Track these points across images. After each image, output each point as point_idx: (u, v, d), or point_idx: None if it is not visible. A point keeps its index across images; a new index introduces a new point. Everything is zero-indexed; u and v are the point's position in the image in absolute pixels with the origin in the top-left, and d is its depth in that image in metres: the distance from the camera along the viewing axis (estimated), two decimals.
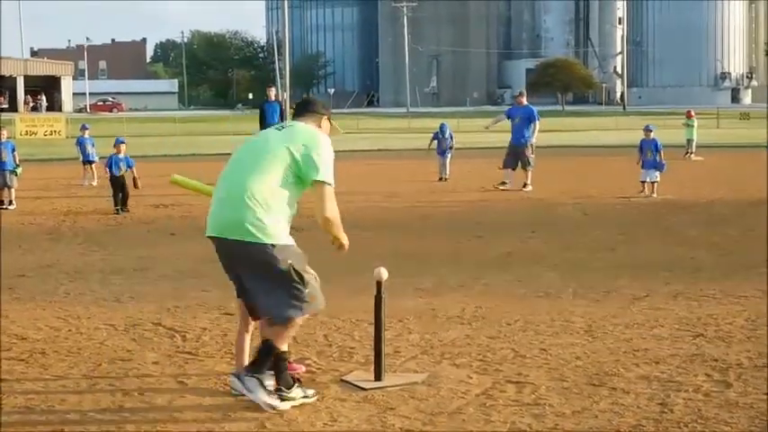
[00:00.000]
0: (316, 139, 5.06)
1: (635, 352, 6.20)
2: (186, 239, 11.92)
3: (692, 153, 26.43)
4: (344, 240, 5.17)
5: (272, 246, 4.92)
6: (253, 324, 5.58)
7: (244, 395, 5.12)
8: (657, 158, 16.25)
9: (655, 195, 15.91)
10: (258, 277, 5.01)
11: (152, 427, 4.91)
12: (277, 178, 4.94)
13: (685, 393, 5.31)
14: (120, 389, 5.56)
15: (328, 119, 5.36)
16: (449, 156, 20.20)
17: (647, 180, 16.17)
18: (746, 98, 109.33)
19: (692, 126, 27.04)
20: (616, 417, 4.94)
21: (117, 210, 14.83)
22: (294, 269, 4.97)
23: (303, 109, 5.35)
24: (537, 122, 17.79)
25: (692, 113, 27.70)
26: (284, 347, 5.15)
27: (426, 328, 6.89)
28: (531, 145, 17.74)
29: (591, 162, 24.61)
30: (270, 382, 5.11)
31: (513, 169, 17.64)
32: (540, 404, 5.17)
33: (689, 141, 26.92)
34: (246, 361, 5.50)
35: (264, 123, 21.08)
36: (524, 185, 17.31)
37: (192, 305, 7.84)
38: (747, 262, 9.72)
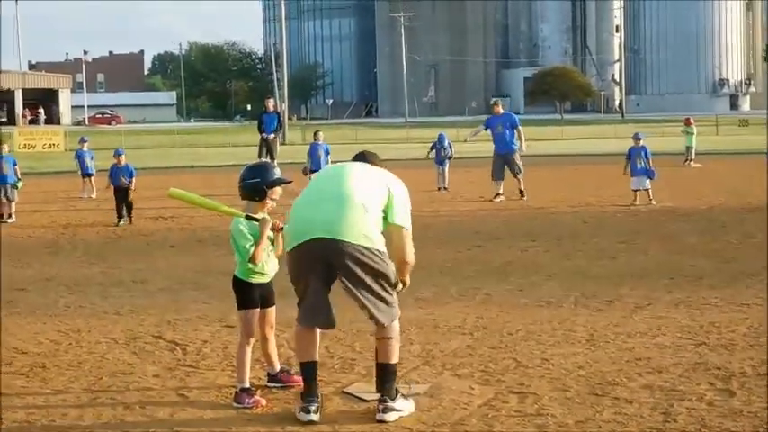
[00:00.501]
0: (402, 187, 5.39)
1: (637, 361, 6.18)
2: (186, 252, 11.90)
3: (691, 160, 26.44)
4: (408, 282, 5.45)
5: (381, 252, 5.18)
6: (254, 338, 5.56)
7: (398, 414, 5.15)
8: (647, 166, 16.20)
9: (654, 203, 15.89)
10: (365, 278, 5.15)
11: None
12: (380, 204, 5.23)
13: (688, 402, 5.29)
14: (122, 402, 5.54)
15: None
16: (447, 165, 20.24)
17: (639, 188, 16.13)
18: (745, 105, 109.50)
19: (692, 133, 27.05)
20: (619, 427, 4.92)
21: (119, 221, 14.81)
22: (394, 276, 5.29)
23: (372, 157, 5.65)
24: (520, 128, 17.59)
25: (691, 121, 27.69)
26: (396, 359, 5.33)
27: (428, 339, 6.87)
28: (520, 152, 17.53)
29: (590, 170, 24.61)
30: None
31: (503, 179, 17.44)
32: (542, 414, 5.14)
33: (688, 149, 26.93)
34: (248, 375, 5.48)
35: (261, 133, 21.18)
36: (521, 194, 17.19)
37: (192, 318, 7.82)
38: (748, 269, 9.70)
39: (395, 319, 5.27)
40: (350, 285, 5.13)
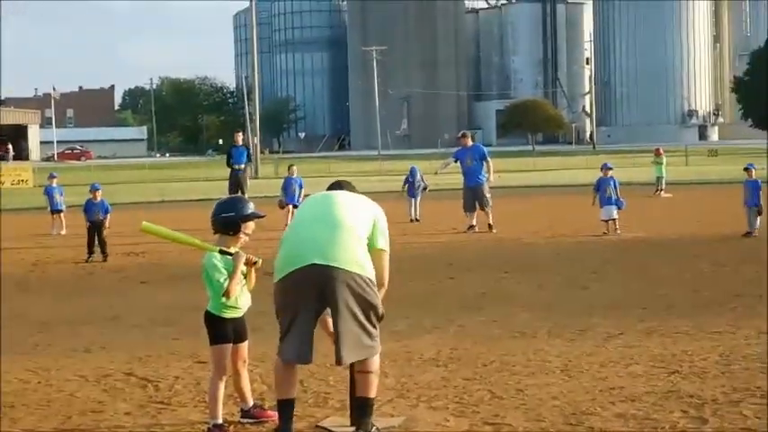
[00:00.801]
0: (382, 212, 5.49)
1: (611, 390, 6.19)
2: (157, 287, 11.81)
3: (661, 190, 26.69)
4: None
5: (371, 281, 5.20)
6: (227, 374, 5.51)
7: None
8: (616, 196, 16.34)
9: (619, 231, 15.99)
10: (355, 310, 5.12)
11: None
12: (367, 230, 5.30)
13: (662, 431, 5.30)
14: None
15: None
16: (419, 197, 20.70)
17: (609, 218, 16.24)
18: (714, 135, 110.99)
19: (661, 164, 27.33)
20: None
21: (89, 257, 14.67)
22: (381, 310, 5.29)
23: (348, 187, 5.72)
24: (489, 161, 17.59)
25: (661, 151, 27.99)
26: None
27: (402, 371, 6.84)
28: (488, 184, 17.54)
29: (562, 201, 24.75)
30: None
31: (474, 210, 17.47)
32: None
33: (658, 179, 27.20)
34: (221, 410, 5.42)
35: (231, 162, 21.09)
36: (490, 227, 17.12)
37: (163, 354, 7.75)
38: (719, 298, 9.77)
39: (377, 353, 5.24)
40: (338, 317, 5.07)
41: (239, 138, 21.67)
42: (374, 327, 5.18)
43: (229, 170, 21.20)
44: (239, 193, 19.60)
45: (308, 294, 5.08)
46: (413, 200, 20.50)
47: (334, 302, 5.07)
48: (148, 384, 6.75)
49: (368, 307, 5.12)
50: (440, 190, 25.44)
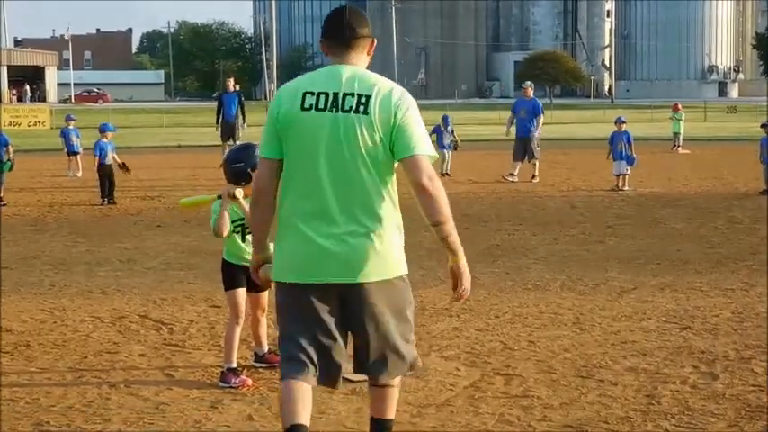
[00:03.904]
0: (406, 99, 3.74)
1: (623, 344, 6.21)
2: (173, 232, 11.87)
3: (679, 146, 26.50)
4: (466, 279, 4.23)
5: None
6: (243, 318, 5.55)
7: None
8: (628, 152, 16.23)
9: (626, 188, 15.92)
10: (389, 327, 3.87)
11: (138, 419, 4.88)
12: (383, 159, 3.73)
13: (672, 385, 5.32)
14: (107, 381, 5.53)
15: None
16: (451, 150, 19.19)
17: (619, 173, 16.18)
18: (733, 92, 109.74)
19: (680, 119, 27.09)
20: (604, 408, 4.95)
21: (103, 200, 14.74)
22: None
23: (351, 31, 3.74)
24: (541, 116, 18.15)
25: (679, 107, 27.73)
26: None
27: (414, 321, 6.86)
28: (536, 138, 18.03)
29: (579, 155, 24.61)
30: None
31: (522, 161, 17.94)
32: (528, 396, 5.16)
33: (676, 135, 26.99)
34: (236, 355, 5.47)
35: (222, 115, 20.54)
36: (533, 177, 17.60)
37: (178, 297, 7.81)
38: (734, 255, 9.75)
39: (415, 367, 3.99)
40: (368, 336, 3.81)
41: (231, 84, 20.90)
42: (410, 332, 3.95)
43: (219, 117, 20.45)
44: (231, 141, 19.33)
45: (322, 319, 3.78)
46: (444, 151, 18.77)
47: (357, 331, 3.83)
48: (163, 327, 6.82)
49: (402, 311, 3.86)
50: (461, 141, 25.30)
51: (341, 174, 3.65)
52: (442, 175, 18.77)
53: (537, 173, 17.79)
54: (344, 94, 3.66)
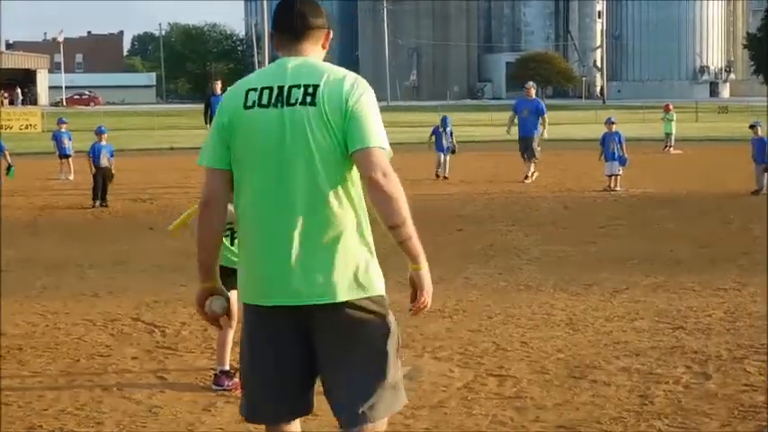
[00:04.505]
0: (358, 83, 3.26)
1: (615, 344, 6.21)
2: (165, 234, 11.81)
3: (670, 147, 26.55)
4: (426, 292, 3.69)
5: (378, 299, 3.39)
6: (236, 321, 5.53)
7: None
8: (620, 152, 16.29)
9: (619, 189, 15.95)
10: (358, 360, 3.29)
11: (131, 422, 4.87)
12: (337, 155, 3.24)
13: (665, 385, 5.33)
14: (99, 385, 5.52)
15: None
16: (448, 154, 18.75)
17: (612, 173, 16.23)
18: (724, 92, 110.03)
19: (671, 120, 27.15)
20: (597, 409, 4.95)
21: (95, 203, 14.70)
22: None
23: (302, 21, 3.33)
24: (545, 116, 18.27)
25: (671, 107, 27.79)
26: None
27: (408, 322, 6.85)
28: (538, 138, 18.14)
29: (571, 156, 24.65)
30: None
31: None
32: (521, 397, 5.17)
33: (668, 135, 27.04)
34: (228, 357, 5.46)
35: (209, 117, 20.43)
36: (525, 177, 17.69)
37: (171, 300, 7.79)
38: (726, 254, 9.77)
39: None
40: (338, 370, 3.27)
41: (218, 86, 20.76)
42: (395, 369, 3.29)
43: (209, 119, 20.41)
44: None
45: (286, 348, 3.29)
46: (441, 154, 18.53)
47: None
48: (155, 330, 6.80)
49: (381, 346, 3.26)
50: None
51: (291, 178, 3.15)
52: (438, 177, 18.65)
53: (531, 174, 17.78)
54: (290, 87, 3.20)
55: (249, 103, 3.23)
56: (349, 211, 3.21)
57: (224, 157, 3.27)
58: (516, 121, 18.55)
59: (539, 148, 18.11)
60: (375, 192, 3.13)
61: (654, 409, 4.93)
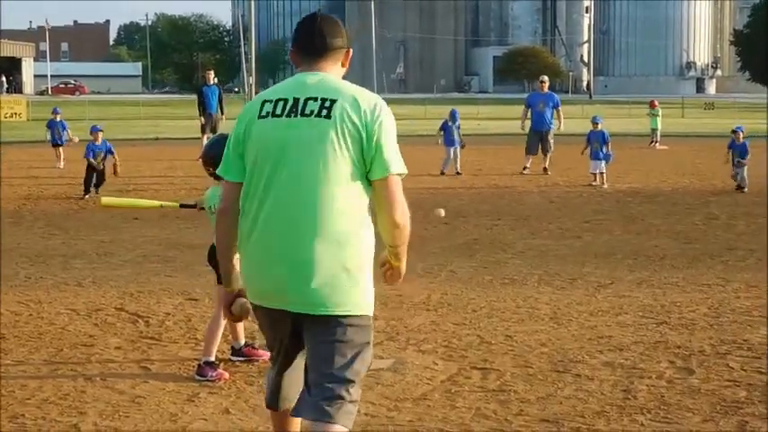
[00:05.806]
0: (381, 108, 3.34)
1: (599, 339, 6.23)
2: (149, 224, 11.79)
3: (656, 142, 26.62)
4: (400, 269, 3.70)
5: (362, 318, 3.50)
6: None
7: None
8: (605, 151, 16.40)
9: (605, 185, 16.00)
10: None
11: (114, 412, 4.86)
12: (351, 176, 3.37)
13: (649, 380, 5.35)
14: (82, 374, 5.50)
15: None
16: (459, 147, 18.04)
17: (597, 171, 16.33)
18: (711, 88, 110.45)
19: (657, 116, 27.21)
20: (580, 403, 4.97)
21: (85, 195, 14.46)
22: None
23: (322, 41, 3.40)
24: (560, 109, 18.53)
25: (656, 103, 27.83)
26: None
27: (392, 315, 6.87)
28: (554, 130, 18.47)
29: (557, 150, 24.65)
30: None
31: (536, 154, 18.31)
32: (505, 390, 5.18)
33: (653, 131, 27.10)
34: (215, 348, 5.43)
35: (203, 107, 20.46)
36: (545, 170, 17.92)
37: (155, 290, 7.77)
38: (710, 250, 9.82)
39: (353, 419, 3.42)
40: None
41: (210, 76, 20.86)
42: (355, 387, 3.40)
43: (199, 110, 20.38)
44: (210, 134, 19.27)
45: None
46: (451, 149, 17.82)
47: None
48: (139, 320, 6.78)
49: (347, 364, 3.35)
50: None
51: (297, 187, 3.24)
52: (442, 173, 17.81)
53: (548, 166, 18.10)
54: (306, 99, 3.27)
55: (263, 113, 3.35)
56: (353, 225, 3.31)
57: (241, 170, 3.40)
58: (530, 115, 18.64)
59: (552, 141, 18.44)
60: (387, 222, 3.32)
61: (637, 404, 4.95)
